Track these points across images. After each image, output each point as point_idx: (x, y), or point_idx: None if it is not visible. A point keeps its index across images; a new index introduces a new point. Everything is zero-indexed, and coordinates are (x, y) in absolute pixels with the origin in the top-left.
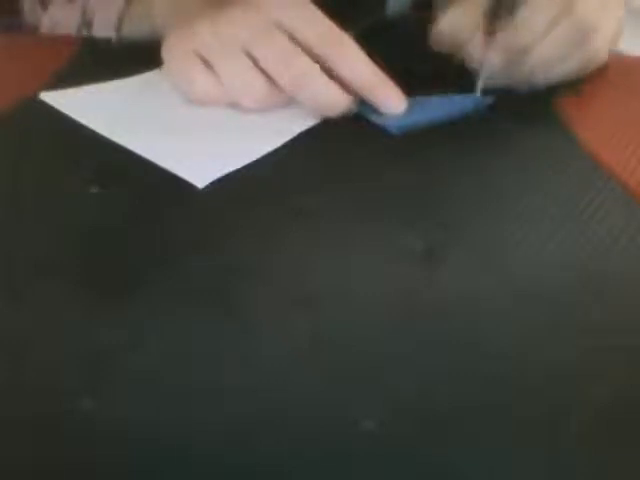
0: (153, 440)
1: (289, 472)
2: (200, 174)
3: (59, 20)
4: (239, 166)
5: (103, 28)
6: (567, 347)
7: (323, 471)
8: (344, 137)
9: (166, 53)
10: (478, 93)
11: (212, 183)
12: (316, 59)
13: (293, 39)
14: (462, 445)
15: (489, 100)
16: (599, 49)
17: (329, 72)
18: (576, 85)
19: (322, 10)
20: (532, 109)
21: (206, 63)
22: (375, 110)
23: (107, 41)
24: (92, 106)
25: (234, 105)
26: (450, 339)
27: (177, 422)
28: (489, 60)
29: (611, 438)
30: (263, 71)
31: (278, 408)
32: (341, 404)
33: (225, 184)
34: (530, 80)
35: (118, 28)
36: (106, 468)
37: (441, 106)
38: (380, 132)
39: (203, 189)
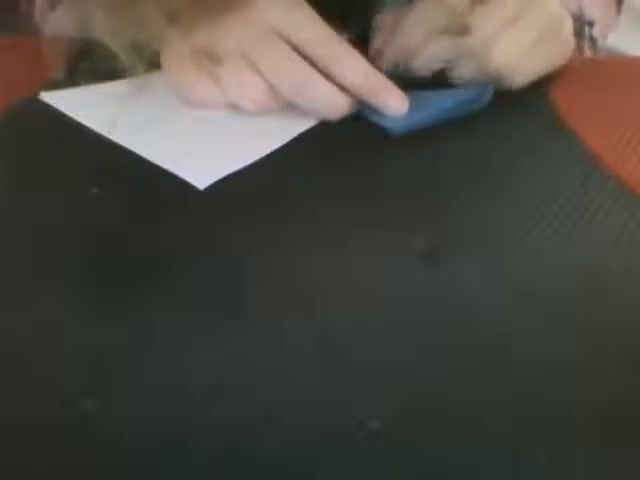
0: (153, 440)
1: (291, 472)
2: (201, 175)
3: (63, 21)
4: (240, 167)
5: None
6: (567, 347)
7: (324, 471)
8: (344, 137)
9: (165, 58)
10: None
11: (212, 183)
12: (315, 63)
13: (291, 44)
14: (462, 445)
15: (489, 92)
16: (499, 67)
17: (328, 75)
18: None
19: (321, 10)
20: (531, 109)
21: (205, 68)
22: (375, 110)
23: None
24: (92, 106)
25: (234, 108)
26: (450, 339)
27: (177, 422)
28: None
29: (610, 438)
30: (262, 74)
31: (278, 408)
32: (341, 405)
33: (225, 184)
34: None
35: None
36: (106, 468)
37: (441, 101)
38: (380, 132)
39: (203, 189)
